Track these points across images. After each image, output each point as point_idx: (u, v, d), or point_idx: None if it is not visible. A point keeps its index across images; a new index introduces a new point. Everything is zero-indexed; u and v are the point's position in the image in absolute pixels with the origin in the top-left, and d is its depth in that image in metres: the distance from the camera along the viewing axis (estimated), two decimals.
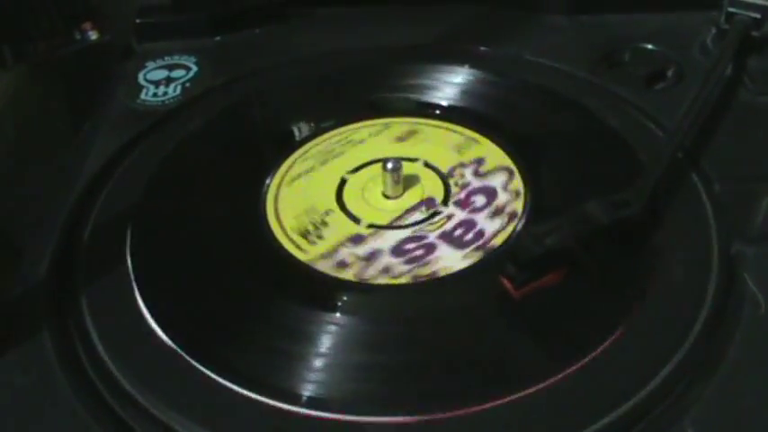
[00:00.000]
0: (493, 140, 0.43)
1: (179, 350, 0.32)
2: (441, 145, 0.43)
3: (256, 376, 0.31)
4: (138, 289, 0.35)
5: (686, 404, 0.29)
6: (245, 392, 0.30)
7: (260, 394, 0.30)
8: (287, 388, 0.30)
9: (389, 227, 0.38)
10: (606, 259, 0.34)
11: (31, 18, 0.50)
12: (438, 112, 0.46)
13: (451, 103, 0.46)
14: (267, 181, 0.41)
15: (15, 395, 0.31)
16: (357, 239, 0.37)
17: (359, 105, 0.47)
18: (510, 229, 0.37)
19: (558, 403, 0.29)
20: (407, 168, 0.40)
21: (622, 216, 0.34)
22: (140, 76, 0.50)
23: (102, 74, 0.52)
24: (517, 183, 0.40)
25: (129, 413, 0.30)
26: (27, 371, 0.32)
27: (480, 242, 0.36)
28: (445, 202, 0.39)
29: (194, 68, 0.50)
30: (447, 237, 0.37)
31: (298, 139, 0.44)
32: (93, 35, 0.53)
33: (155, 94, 0.48)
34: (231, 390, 0.30)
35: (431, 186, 0.40)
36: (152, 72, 0.50)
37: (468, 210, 0.38)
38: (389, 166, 0.39)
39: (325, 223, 0.38)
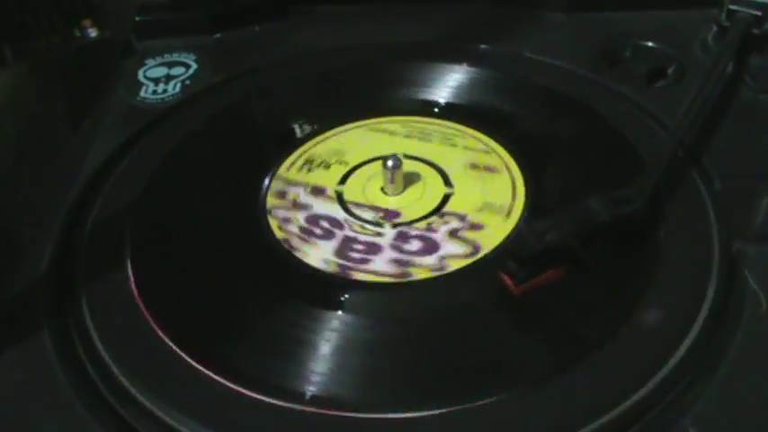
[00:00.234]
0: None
1: (178, 349, 0.32)
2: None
3: (255, 374, 0.31)
4: (138, 288, 0.35)
5: (687, 402, 0.29)
6: (244, 391, 0.30)
7: (259, 393, 0.30)
8: (287, 386, 0.30)
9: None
10: (607, 256, 0.34)
11: (31, 16, 0.50)
12: (436, 110, 0.46)
13: (450, 100, 0.46)
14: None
15: (15, 393, 0.31)
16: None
17: (359, 103, 0.47)
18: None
19: (558, 401, 0.29)
20: (414, 167, 0.41)
21: (623, 212, 0.34)
22: (140, 74, 0.50)
23: (101, 71, 0.52)
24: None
25: (128, 411, 0.30)
26: (27, 369, 0.32)
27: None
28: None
29: (194, 66, 0.50)
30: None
31: (299, 136, 0.44)
32: (93, 33, 0.53)
33: (154, 92, 0.48)
34: (230, 388, 0.30)
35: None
36: (152, 69, 0.50)
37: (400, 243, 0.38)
38: (389, 163, 0.39)
39: None
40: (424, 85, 0.47)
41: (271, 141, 0.45)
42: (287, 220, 0.39)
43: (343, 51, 0.51)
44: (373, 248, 0.37)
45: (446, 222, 0.38)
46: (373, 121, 0.45)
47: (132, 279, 0.35)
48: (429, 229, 0.38)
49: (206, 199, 0.41)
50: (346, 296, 0.35)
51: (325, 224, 0.39)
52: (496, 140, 0.42)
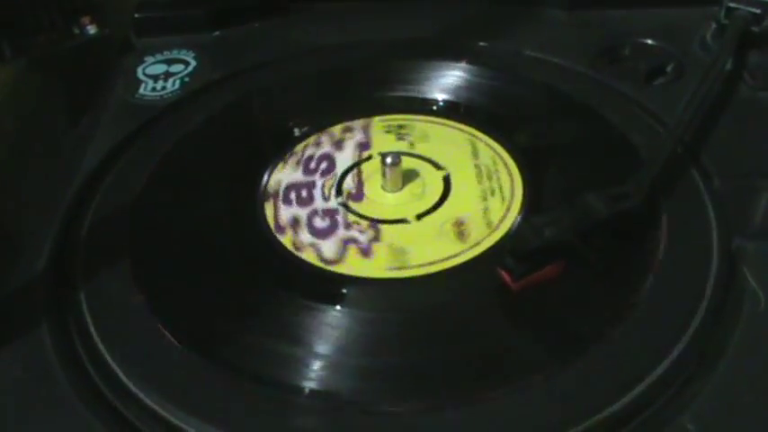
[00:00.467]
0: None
1: (178, 345, 0.32)
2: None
3: (256, 370, 0.31)
4: (138, 284, 0.35)
5: (686, 399, 0.29)
6: (245, 386, 0.30)
7: (260, 388, 0.30)
8: (288, 381, 0.30)
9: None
10: (605, 252, 0.34)
11: (30, 12, 0.50)
12: (434, 108, 0.46)
13: (449, 98, 0.46)
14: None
15: (14, 391, 0.31)
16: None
17: (359, 101, 0.47)
18: None
19: (556, 397, 0.29)
20: (413, 164, 0.41)
21: (622, 208, 0.34)
22: (139, 71, 0.50)
23: (100, 68, 0.51)
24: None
25: (127, 408, 0.30)
26: (26, 366, 0.32)
27: None
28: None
29: (193, 63, 0.50)
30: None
31: (297, 134, 0.44)
32: (92, 30, 0.53)
33: (153, 89, 0.48)
34: (231, 384, 0.30)
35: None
36: (151, 67, 0.50)
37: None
38: (388, 160, 0.39)
39: None
40: (422, 83, 0.47)
41: (270, 138, 0.45)
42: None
43: (341, 49, 0.51)
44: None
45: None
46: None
47: (131, 276, 0.35)
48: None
49: (205, 195, 0.41)
50: (344, 291, 0.35)
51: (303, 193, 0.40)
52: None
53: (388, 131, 0.44)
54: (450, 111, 0.45)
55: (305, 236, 0.37)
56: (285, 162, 0.42)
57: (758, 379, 0.29)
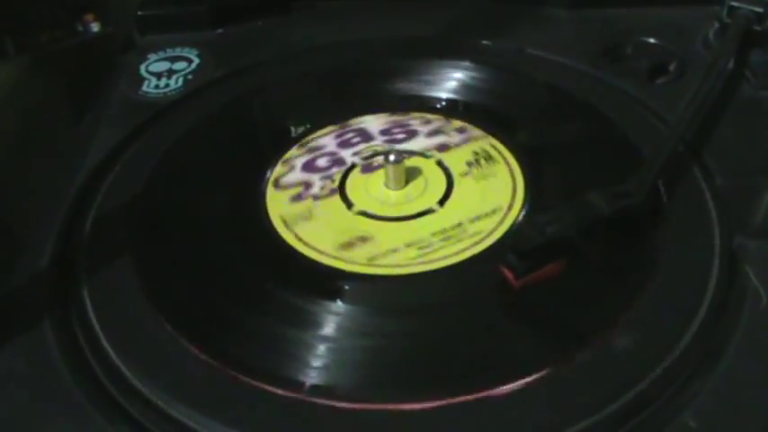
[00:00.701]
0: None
1: (181, 340, 0.32)
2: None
3: (258, 364, 0.31)
4: (140, 279, 0.35)
5: (688, 397, 0.29)
6: (248, 381, 0.30)
7: (261, 382, 0.30)
8: (289, 376, 0.30)
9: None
10: (607, 250, 0.34)
11: (34, 10, 0.50)
12: (438, 106, 0.46)
13: (451, 97, 0.46)
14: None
15: (17, 386, 0.31)
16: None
17: (358, 100, 0.47)
18: None
19: (558, 394, 0.29)
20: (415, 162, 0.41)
21: (624, 207, 0.34)
22: (142, 68, 0.50)
23: (103, 66, 0.52)
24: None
25: (131, 403, 0.30)
26: (29, 362, 0.32)
27: None
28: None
29: (196, 60, 0.50)
30: None
31: (296, 134, 0.44)
32: (95, 27, 0.53)
33: (156, 86, 0.48)
34: (233, 378, 0.30)
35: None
36: (154, 64, 0.50)
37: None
38: (392, 158, 0.39)
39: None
40: (425, 82, 0.47)
41: (273, 135, 0.45)
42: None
43: (343, 48, 0.51)
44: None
45: None
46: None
47: (134, 271, 0.35)
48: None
49: (208, 191, 0.41)
50: (346, 287, 0.35)
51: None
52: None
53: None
54: (451, 109, 0.45)
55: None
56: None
57: (760, 376, 0.29)
